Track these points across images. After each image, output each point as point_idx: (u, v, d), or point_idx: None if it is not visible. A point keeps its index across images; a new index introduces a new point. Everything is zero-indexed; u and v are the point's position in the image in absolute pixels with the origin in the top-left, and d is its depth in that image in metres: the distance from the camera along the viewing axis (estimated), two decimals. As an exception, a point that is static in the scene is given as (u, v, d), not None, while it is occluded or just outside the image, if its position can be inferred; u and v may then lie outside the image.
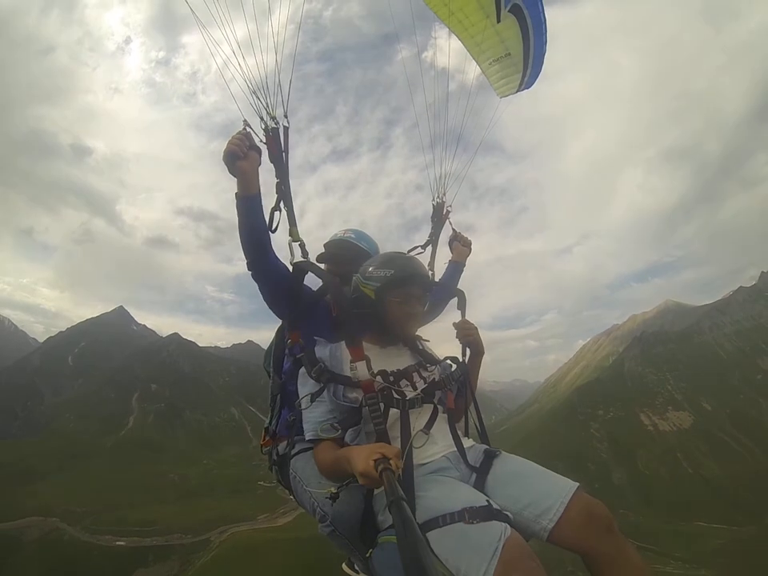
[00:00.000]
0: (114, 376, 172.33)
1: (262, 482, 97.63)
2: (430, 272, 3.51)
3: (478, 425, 2.57)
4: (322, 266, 2.80)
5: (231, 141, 2.39)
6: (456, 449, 2.27)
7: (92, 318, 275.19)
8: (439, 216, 3.82)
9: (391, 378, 2.28)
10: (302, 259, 2.64)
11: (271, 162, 2.65)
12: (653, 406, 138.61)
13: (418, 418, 2.26)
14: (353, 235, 3.08)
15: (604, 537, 1.83)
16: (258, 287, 2.66)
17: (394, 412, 2.18)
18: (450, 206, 3.85)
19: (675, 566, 66.34)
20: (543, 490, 1.93)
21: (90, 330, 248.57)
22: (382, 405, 2.14)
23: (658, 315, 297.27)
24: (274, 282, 2.62)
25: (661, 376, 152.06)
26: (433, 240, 3.75)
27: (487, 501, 1.83)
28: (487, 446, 2.36)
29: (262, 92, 2.68)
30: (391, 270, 2.39)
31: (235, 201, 2.46)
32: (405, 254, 2.67)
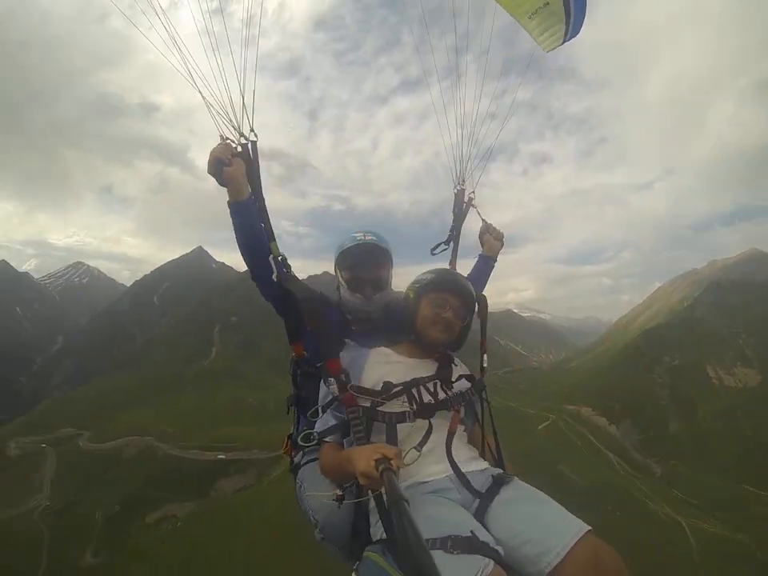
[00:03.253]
0: (196, 312, 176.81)
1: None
2: (450, 267, 3.29)
3: (493, 449, 2.41)
4: (346, 273, 2.68)
5: (214, 150, 2.42)
6: (454, 473, 2.07)
7: (173, 259, 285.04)
8: (460, 206, 3.35)
9: (394, 390, 2.18)
10: (286, 274, 2.54)
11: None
12: (721, 358, 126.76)
13: (411, 434, 2.11)
14: (374, 237, 2.74)
15: None
16: (268, 299, 2.65)
17: (380, 426, 2.11)
18: (473, 192, 3.33)
19: (714, 525, 62.58)
20: (547, 528, 1.69)
21: (172, 271, 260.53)
22: (364, 419, 2.08)
23: (740, 263, 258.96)
24: (279, 288, 2.56)
25: (734, 329, 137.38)
26: (454, 234, 3.35)
27: (472, 532, 1.62)
28: (501, 471, 2.20)
29: (226, 113, 2.54)
30: (433, 274, 2.49)
31: (228, 210, 2.46)
32: (455, 270, 2.84)
